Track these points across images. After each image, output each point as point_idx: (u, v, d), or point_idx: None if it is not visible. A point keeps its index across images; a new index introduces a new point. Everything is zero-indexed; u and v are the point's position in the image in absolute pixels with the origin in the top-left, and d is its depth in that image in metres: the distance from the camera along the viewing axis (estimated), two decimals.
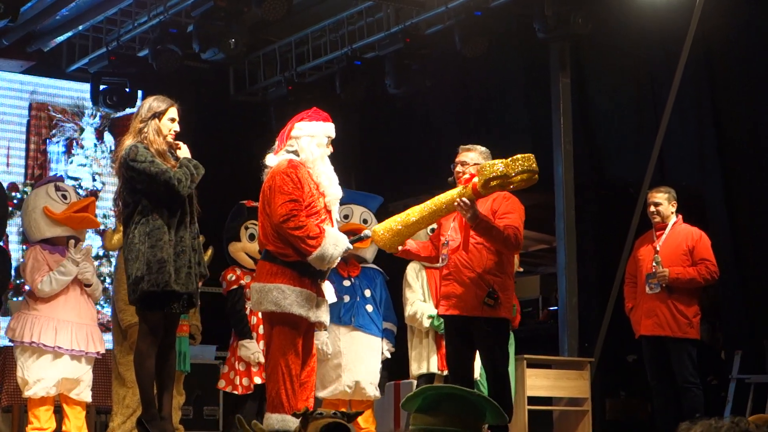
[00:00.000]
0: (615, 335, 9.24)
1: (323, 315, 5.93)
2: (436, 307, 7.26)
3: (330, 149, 6.05)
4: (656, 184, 8.44)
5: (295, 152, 5.95)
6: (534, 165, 6.09)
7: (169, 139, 5.86)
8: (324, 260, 5.80)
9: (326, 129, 6.03)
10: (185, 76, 9.97)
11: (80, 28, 9.82)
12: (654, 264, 7.43)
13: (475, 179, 6.11)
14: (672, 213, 7.59)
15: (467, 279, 6.19)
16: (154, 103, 5.86)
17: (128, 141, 5.79)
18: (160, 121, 5.82)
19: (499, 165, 6.02)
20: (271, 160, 5.98)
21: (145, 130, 5.78)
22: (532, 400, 8.37)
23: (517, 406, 8.17)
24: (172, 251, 5.66)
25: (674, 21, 8.87)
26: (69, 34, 9.91)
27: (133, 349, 7.00)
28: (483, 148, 6.58)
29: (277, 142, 6.06)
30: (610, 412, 9.77)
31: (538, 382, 8.43)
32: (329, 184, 5.93)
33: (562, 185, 9.52)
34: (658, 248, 7.49)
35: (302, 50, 10.68)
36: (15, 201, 9.84)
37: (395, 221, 6.28)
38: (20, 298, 7.99)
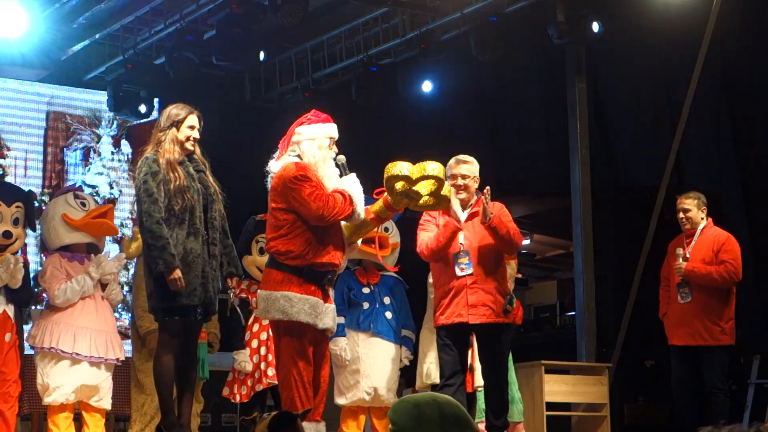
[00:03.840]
0: (633, 340, 9.21)
1: (330, 322, 5.89)
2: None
3: (333, 150, 5.98)
4: (673, 187, 8.42)
5: (298, 156, 5.92)
6: (441, 174, 6.03)
7: (188, 146, 5.87)
8: (360, 212, 5.86)
9: (326, 130, 5.96)
10: (201, 83, 10.00)
11: (97, 36, 9.85)
12: (678, 259, 7.40)
13: (386, 194, 6.14)
14: (702, 219, 7.55)
15: (493, 287, 6.41)
16: (174, 111, 5.86)
17: (148, 151, 5.82)
18: (178, 129, 5.82)
19: (404, 166, 5.99)
20: (274, 165, 5.94)
21: (163, 139, 5.79)
22: (551, 406, 8.36)
23: (535, 411, 8.16)
24: (181, 264, 5.65)
25: (690, 24, 8.86)
26: (86, 42, 9.95)
27: (152, 356, 7.01)
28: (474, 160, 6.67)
29: (278, 149, 6.02)
30: (628, 417, 9.74)
31: (556, 388, 8.41)
32: (331, 187, 5.89)
33: (579, 190, 9.52)
34: (688, 254, 7.46)
35: (318, 57, 10.69)
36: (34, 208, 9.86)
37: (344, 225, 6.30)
38: (39, 307, 8.00)
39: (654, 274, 8.82)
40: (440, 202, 6.23)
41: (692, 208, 7.55)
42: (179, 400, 5.84)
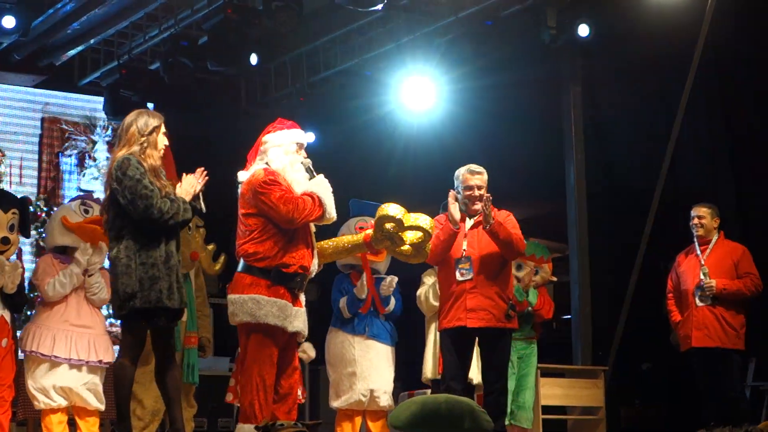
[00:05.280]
0: (629, 343, 9.20)
1: (301, 325, 5.86)
2: None
3: (302, 156, 6.00)
4: (669, 190, 8.43)
5: (266, 164, 5.93)
6: (430, 229, 6.29)
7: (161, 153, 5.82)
8: (331, 213, 5.87)
9: (292, 136, 6.00)
10: (197, 88, 10.00)
11: (92, 41, 9.86)
12: (702, 276, 7.51)
13: (369, 231, 6.34)
14: (714, 228, 7.73)
15: (494, 292, 6.53)
16: (150, 118, 5.77)
17: (121, 153, 5.68)
18: (157, 136, 5.79)
19: (399, 210, 6.12)
20: (243, 175, 5.95)
21: (146, 145, 5.73)
22: (546, 409, 8.35)
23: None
24: (163, 267, 5.64)
25: (684, 27, 8.87)
26: (80, 47, 9.96)
27: (141, 362, 6.97)
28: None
29: (247, 160, 6.02)
30: (625, 420, 9.74)
31: (552, 391, 8.41)
32: (300, 190, 5.85)
33: (574, 193, 9.52)
34: (703, 261, 7.60)
35: (314, 61, 10.69)
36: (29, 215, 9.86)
37: (320, 245, 6.38)
38: (33, 312, 8.01)
39: (649, 276, 8.83)
40: (419, 255, 6.40)
41: (707, 216, 7.73)
42: (168, 406, 5.78)
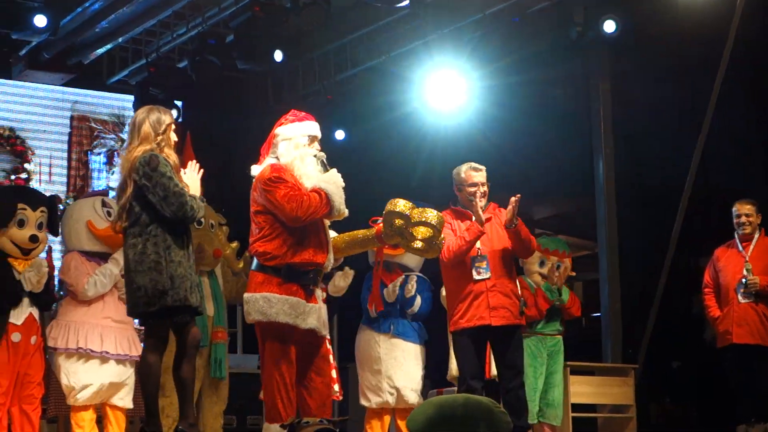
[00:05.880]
0: (659, 341, 9.14)
1: (314, 321, 5.74)
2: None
3: (315, 148, 5.85)
4: (700, 186, 8.37)
5: (277, 158, 5.84)
6: (439, 225, 6.12)
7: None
8: (340, 209, 5.73)
9: (304, 129, 5.86)
10: (224, 86, 10.01)
11: (120, 40, 9.88)
12: (745, 272, 7.46)
13: (381, 224, 6.24)
14: (758, 225, 7.75)
15: (510, 290, 6.58)
16: (162, 116, 5.73)
17: (142, 147, 5.64)
18: (170, 133, 5.76)
19: (406, 205, 6.04)
20: (255, 169, 5.86)
21: (163, 144, 5.71)
22: (576, 407, 8.32)
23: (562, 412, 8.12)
24: (187, 265, 5.62)
25: (713, 22, 8.80)
26: (109, 46, 9.98)
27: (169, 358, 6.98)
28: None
29: (260, 154, 5.94)
30: (655, 418, 9.69)
31: (582, 389, 8.38)
32: (311, 185, 5.73)
33: (603, 191, 9.47)
34: (747, 258, 7.61)
35: (340, 59, 10.68)
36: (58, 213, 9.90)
37: (334, 239, 6.28)
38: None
39: (680, 274, 8.77)
40: (431, 250, 6.31)
41: (753, 213, 7.74)
42: (183, 401, 5.75)
